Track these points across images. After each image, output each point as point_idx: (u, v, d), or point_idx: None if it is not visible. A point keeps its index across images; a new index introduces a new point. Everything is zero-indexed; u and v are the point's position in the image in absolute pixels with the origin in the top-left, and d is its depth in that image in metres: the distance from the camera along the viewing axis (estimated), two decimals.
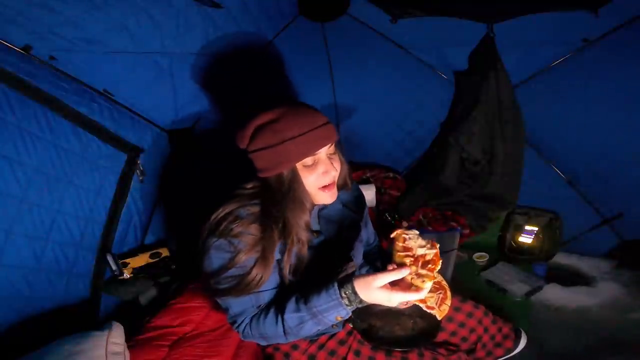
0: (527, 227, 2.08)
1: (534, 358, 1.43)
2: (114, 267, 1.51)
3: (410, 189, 2.24)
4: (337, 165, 0.92)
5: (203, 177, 1.79)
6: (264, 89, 1.98)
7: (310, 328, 0.86)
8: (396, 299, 0.77)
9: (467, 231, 2.07)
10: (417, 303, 0.83)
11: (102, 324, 1.08)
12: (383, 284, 0.77)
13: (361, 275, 0.80)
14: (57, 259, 1.28)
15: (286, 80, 1.99)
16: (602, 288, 1.80)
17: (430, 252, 0.83)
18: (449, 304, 0.85)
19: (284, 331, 0.86)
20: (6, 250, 1.10)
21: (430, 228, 2.08)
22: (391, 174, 2.33)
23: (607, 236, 1.97)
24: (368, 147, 2.41)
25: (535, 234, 2.06)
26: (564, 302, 1.76)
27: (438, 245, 0.85)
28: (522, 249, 2.09)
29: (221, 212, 0.88)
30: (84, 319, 1.40)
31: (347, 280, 0.81)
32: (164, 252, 1.71)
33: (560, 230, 2.02)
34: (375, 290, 0.77)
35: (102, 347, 1.00)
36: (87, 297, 1.43)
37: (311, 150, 0.85)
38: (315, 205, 0.95)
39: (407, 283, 0.79)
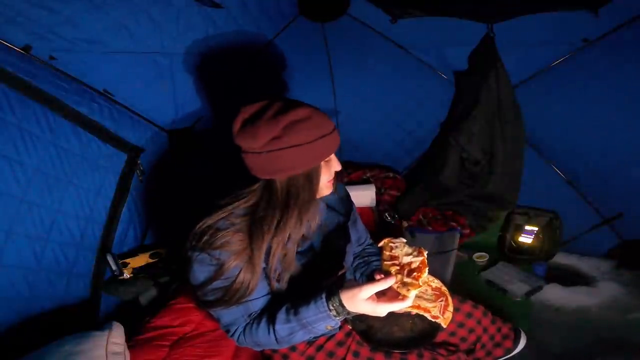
0: (527, 227, 2.08)
1: (534, 358, 1.43)
2: (114, 267, 1.50)
3: (410, 189, 2.24)
4: None
5: (202, 177, 1.79)
6: (263, 89, 1.99)
7: (302, 337, 0.86)
8: (381, 310, 0.78)
9: (467, 231, 2.07)
10: (421, 313, 0.83)
11: (102, 324, 1.08)
12: (368, 295, 0.77)
13: (348, 287, 0.80)
14: (57, 259, 1.28)
15: (286, 80, 1.99)
16: (602, 288, 1.80)
17: (417, 260, 0.83)
18: (452, 310, 0.85)
19: (276, 340, 0.86)
20: (6, 250, 1.10)
21: (430, 228, 2.08)
22: (391, 174, 2.33)
23: (607, 236, 1.96)
24: (368, 147, 2.41)
25: (535, 234, 2.06)
26: (564, 302, 1.76)
27: (426, 253, 0.84)
28: (522, 249, 2.09)
29: (202, 224, 0.85)
30: (84, 319, 1.40)
31: (334, 292, 0.81)
32: (164, 252, 1.71)
33: (560, 230, 2.02)
34: (361, 302, 0.77)
35: (102, 347, 1.00)
36: (87, 297, 1.43)
37: (333, 149, 0.85)
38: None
39: (395, 292, 0.80)
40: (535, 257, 2.04)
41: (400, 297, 0.78)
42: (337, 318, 0.81)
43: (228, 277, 0.84)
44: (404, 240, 0.90)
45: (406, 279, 0.80)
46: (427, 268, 0.81)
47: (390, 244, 0.90)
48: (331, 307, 0.80)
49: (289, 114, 0.79)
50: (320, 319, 0.81)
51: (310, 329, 0.83)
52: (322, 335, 1.03)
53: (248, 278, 0.84)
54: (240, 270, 0.84)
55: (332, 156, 0.89)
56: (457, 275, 1.90)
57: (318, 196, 0.91)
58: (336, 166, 0.90)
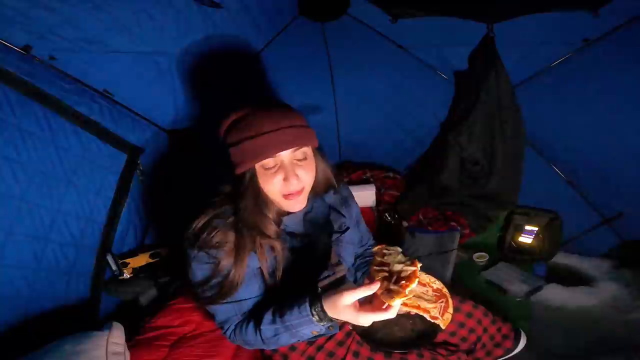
0: (527, 227, 2.07)
1: (534, 358, 1.43)
2: (114, 267, 1.51)
3: (410, 189, 2.24)
4: (306, 173, 0.87)
5: (201, 176, 1.79)
6: (263, 89, 1.99)
7: (287, 340, 0.86)
8: (363, 320, 0.75)
9: (467, 231, 2.07)
10: (420, 313, 0.82)
11: (102, 324, 1.08)
12: (350, 302, 0.75)
13: (331, 294, 0.78)
14: (57, 259, 1.28)
15: (286, 80, 1.99)
16: (602, 288, 1.80)
17: (408, 269, 0.78)
18: (452, 312, 0.84)
19: (262, 340, 0.86)
20: (6, 250, 1.10)
21: (430, 228, 2.08)
22: (391, 174, 2.33)
23: (607, 236, 1.96)
24: (368, 147, 2.41)
25: (535, 234, 2.06)
26: (564, 302, 1.76)
27: (419, 265, 0.79)
28: (522, 249, 2.08)
29: (199, 222, 0.87)
30: (84, 319, 1.40)
31: (318, 298, 0.79)
32: (164, 252, 1.71)
33: (560, 230, 2.02)
34: (343, 309, 0.75)
35: (102, 347, 1.00)
36: (87, 297, 1.43)
37: (266, 153, 0.81)
38: (291, 212, 0.93)
39: (382, 301, 0.76)
40: (535, 257, 2.04)
41: (385, 306, 0.75)
42: (321, 324, 0.80)
43: (223, 273, 0.86)
44: (399, 249, 0.87)
45: (392, 287, 0.75)
46: (418, 279, 0.75)
47: (384, 251, 0.87)
48: (313, 312, 0.79)
49: (229, 116, 0.86)
50: (303, 323, 0.81)
51: (294, 332, 0.83)
52: (327, 334, 1.03)
53: (236, 271, 0.86)
54: (232, 265, 0.86)
55: (282, 164, 0.83)
56: (457, 275, 1.90)
57: (283, 209, 0.91)
58: (284, 175, 0.83)
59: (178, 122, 1.79)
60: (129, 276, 1.57)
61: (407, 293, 0.72)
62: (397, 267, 0.80)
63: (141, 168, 1.63)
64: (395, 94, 2.15)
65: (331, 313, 0.78)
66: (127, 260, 1.58)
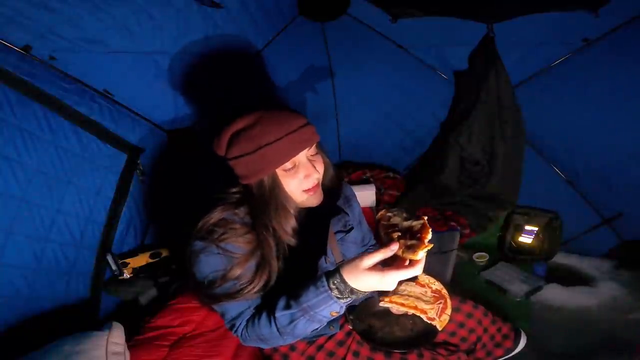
0: (527, 227, 2.07)
1: (534, 358, 1.43)
2: (114, 267, 1.51)
3: (411, 188, 2.24)
4: (320, 166, 0.91)
5: (202, 177, 1.79)
6: (263, 89, 1.99)
7: (304, 326, 0.80)
8: (389, 280, 0.71)
9: (467, 231, 2.07)
10: (417, 314, 0.82)
11: (102, 324, 1.08)
12: (372, 264, 0.71)
13: (348, 260, 0.74)
14: (57, 259, 1.28)
15: (286, 80, 1.99)
16: (602, 288, 1.80)
17: (418, 223, 0.77)
18: (449, 314, 0.84)
19: (278, 331, 0.82)
20: (6, 250, 1.10)
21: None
22: (391, 174, 2.33)
23: (607, 236, 1.96)
24: (368, 147, 2.41)
25: (535, 234, 2.06)
26: (564, 302, 1.75)
27: (426, 218, 0.78)
28: (522, 249, 2.08)
29: (212, 218, 0.87)
30: (84, 319, 1.40)
31: (334, 270, 0.76)
32: (164, 252, 1.71)
33: (560, 230, 2.02)
34: (364, 273, 0.71)
35: (102, 347, 1.00)
36: (87, 297, 1.43)
37: (289, 155, 0.84)
38: (302, 208, 0.94)
39: (402, 260, 0.73)
40: (535, 257, 2.04)
41: (408, 263, 0.72)
42: (341, 300, 0.75)
43: (241, 275, 0.85)
44: (402, 209, 0.87)
45: (410, 242, 0.72)
46: (431, 230, 0.74)
47: (388, 214, 0.85)
48: (332, 285, 0.74)
49: (226, 130, 0.86)
50: (321, 301, 0.75)
51: (313, 314, 0.77)
52: (327, 334, 1.03)
53: (266, 274, 0.86)
54: (257, 268, 0.86)
55: (300, 162, 0.87)
56: (457, 275, 1.89)
57: (302, 205, 0.92)
58: (306, 172, 0.87)
59: (178, 122, 1.79)
60: (129, 276, 1.57)
61: (427, 243, 0.71)
62: (406, 223, 0.78)
63: (141, 168, 1.62)
64: (395, 94, 2.15)
65: (352, 281, 0.73)
66: (127, 260, 1.58)
